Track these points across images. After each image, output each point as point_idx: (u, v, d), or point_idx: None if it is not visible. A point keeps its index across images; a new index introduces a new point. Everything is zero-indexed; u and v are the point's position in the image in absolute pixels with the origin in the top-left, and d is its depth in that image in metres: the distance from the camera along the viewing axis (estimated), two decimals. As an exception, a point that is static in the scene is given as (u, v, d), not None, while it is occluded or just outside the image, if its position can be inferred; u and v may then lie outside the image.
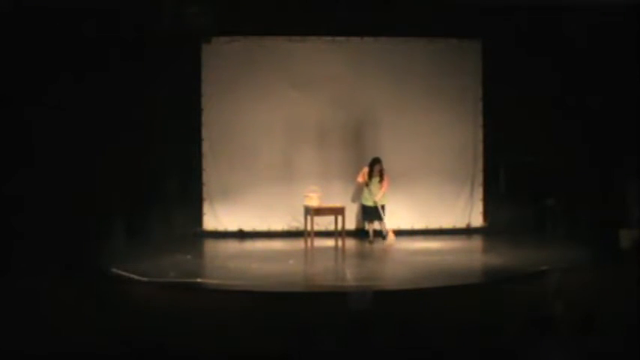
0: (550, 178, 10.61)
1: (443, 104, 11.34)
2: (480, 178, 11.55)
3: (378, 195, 10.45)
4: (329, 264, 9.39)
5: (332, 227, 10.07)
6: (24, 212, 8.93)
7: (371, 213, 10.56)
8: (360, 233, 10.99)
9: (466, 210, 11.46)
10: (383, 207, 10.50)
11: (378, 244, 10.41)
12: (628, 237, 9.40)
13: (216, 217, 11.22)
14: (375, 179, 10.50)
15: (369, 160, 10.95)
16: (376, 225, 10.59)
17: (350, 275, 8.40)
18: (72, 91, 9.54)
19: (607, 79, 9.99)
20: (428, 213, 11.17)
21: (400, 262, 9.62)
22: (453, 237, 10.70)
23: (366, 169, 10.58)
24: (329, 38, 11.27)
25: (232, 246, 10.60)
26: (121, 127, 9.90)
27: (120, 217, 10.00)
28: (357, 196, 11.03)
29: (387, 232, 10.51)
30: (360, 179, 10.60)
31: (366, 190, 10.57)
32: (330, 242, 10.07)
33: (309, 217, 10.04)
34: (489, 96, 11.37)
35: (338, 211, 9.99)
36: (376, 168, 10.49)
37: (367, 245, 10.44)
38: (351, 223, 10.34)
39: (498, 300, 6.76)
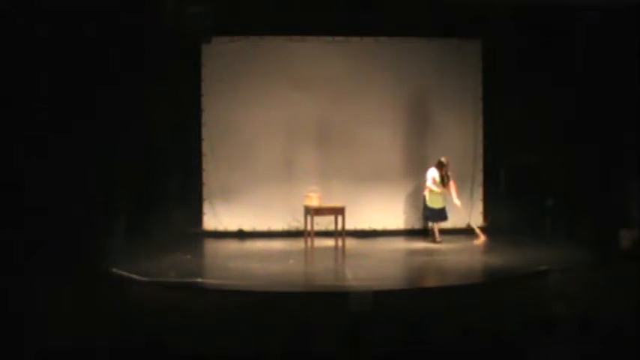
0: (550, 178, 10.60)
1: (443, 104, 11.36)
2: (480, 178, 11.57)
3: (452, 195, 10.50)
4: (329, 264, 9.39)
5: (332, 227, 10.06)
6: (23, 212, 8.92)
7: (440, 214, 10.58)
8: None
9: (466, 210, 11.46)
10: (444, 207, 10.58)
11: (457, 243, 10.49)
12: (628, 237, 9.39)
13: (216, 217, 11.22)
14: (444, 181, 10.52)
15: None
16: (439, 225, 10.61)
17: (350, 275, 8.39)
18: (71, 92, 9.52)
19: (607, 78, 9.98)
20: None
21: (400, 262, 9.64)
22: (453, 237, 10.69)
23: (436, 174, 10.50)
24: (329, 38, 11.27)
25: (232, 246, 10.59)
26: (121, 127, 9.89)
27: (120, 217, 9.99)
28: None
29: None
30: (437, 186, 10.48)
31: (439, 195, 10.50)
32: (330, 242, 10.07)
33: (309, 217, 10.05)
34: (489, 96, 11.38)
35: (338, 211, 9.98)
36: (445, 170, 10.47)
37: (432, 244, 10.43)
38: (351, 223, 10.32)
39: (498, 300, 6.76)
